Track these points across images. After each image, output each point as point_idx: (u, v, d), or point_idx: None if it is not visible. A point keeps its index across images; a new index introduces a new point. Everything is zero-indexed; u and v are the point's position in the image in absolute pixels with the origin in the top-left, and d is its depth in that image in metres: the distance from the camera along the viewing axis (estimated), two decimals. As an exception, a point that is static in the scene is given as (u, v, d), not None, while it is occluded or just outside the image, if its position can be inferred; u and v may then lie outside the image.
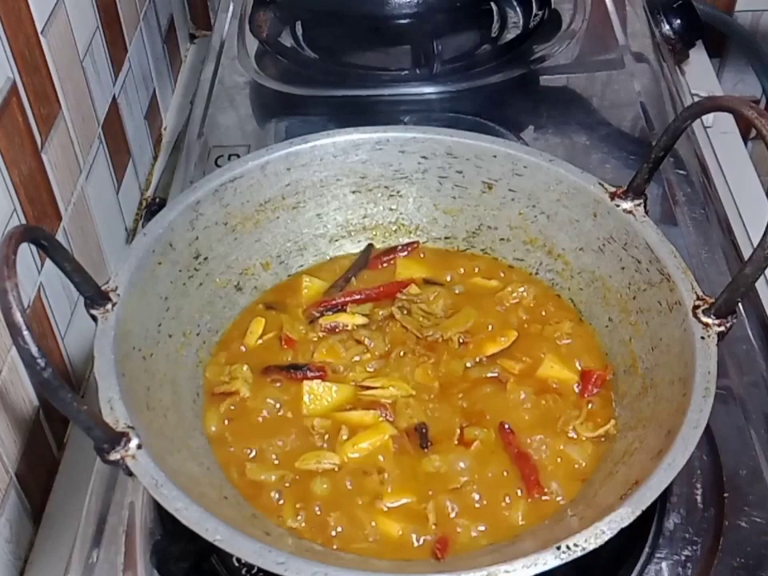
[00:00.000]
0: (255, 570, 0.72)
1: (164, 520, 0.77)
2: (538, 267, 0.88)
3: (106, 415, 0.63)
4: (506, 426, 0.76)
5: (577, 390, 0.79)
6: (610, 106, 1.19)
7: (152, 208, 1.21)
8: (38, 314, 0.93)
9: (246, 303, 0.87)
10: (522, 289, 0.86)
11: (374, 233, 0.92)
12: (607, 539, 0.58)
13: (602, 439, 0.75)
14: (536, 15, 1.26)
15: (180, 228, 0.80)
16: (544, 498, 0.71)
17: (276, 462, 0.74)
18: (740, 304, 0.71)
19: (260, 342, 0.83)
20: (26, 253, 0.90)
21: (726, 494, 0.77)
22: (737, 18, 1.64)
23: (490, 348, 0.82)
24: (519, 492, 0.72)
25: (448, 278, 0.89)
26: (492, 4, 1.29)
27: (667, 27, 1.31)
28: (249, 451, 0.75)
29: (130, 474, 0.61)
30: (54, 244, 0.64)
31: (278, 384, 0.79)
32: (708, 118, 1.27)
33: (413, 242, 0.92)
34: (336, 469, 0.73)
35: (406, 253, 0.92)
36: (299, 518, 0.70)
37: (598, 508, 0.63)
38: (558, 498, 0.71)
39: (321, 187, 0.89)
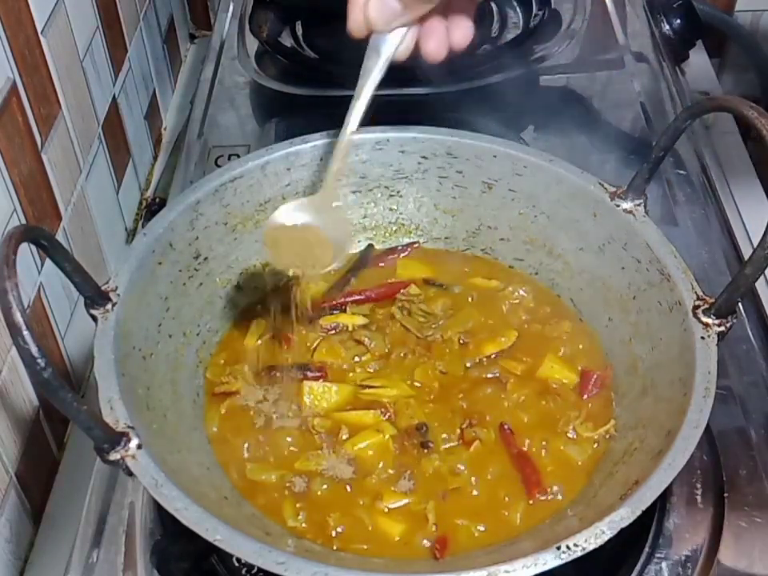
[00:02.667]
0: (255, 570, 0.72)
1: (164, 520, 0.77)
2: (538, 267, 0.88)
3: (105, 415, 0.63)
4: (506, 427, 0.76)
5: (577, 391, 0.79)
6: (610, 106, 1.19)
7: (152, 208, 1.21)
8: (37, 314, 0.93)
9: (246, 303, 0.87)
10: (522, 289, 0.86)
11: (374, 233, 0.92)
12: (607, 539, 0.58)
13: (603, 439, 0.75)
14: (536, 15, 1.26)
15: (180, 228, 0.80)
16: (544, 498, 0.71)
17: (276, 462, 0.74)
18: (740, 304, 0.71)
19: (260, 342, 0.83)
20: (26, 253, 0.90)
21: (726, 494, 0.77)
22: (737, 17, 1.64)
23: (490, 348, 0.82)
24: (519, 492, 0.72)
25: (448, 278, 0.89)
26: (492, 4, 1.29)
27: (667, 27, 1.31)
28: (249, 451, 0.75)
29: (130, 473, 0.61)
30: (54, 244, 0.64)
31: (278, 384, 0.79)
32: (708, 118, 1.27)
33: (413, 242, 0.92)
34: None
35: (406, 253, 0.92)
36: (299, 517, 0.70)
37: (598, 508, 0.63)
38: (558, 498, 0.71)
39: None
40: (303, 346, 0.83)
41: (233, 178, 0.84)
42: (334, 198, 0.74)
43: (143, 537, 0.77)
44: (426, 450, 0.74)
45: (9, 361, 0.86)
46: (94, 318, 0.70)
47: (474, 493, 0.72)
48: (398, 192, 0.90)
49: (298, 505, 0.71)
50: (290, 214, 0.72)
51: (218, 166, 1.01)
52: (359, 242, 0.92)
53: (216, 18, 1.37)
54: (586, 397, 0.78)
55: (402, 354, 0.81)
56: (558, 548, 0.58)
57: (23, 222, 0.90)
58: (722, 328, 0.69)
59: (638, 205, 0.79)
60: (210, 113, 1.18)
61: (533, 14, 1.27)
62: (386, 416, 0.77)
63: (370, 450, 0.74)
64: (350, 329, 0.83)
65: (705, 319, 0.70)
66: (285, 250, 0.72)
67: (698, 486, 0.78)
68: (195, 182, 0.84)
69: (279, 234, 0.72)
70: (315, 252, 0.72)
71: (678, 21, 1.31)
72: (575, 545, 0.58)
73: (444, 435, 0.75)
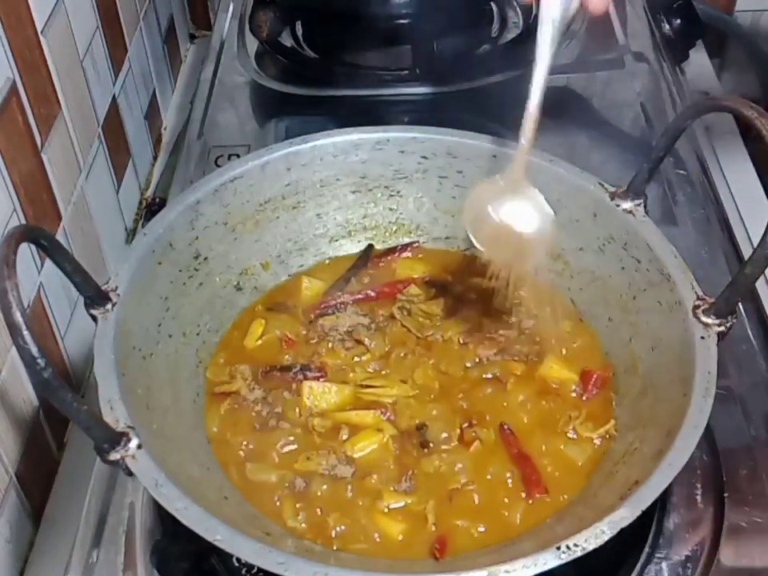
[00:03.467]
0: (255, 569, 0.72)
1: (164, 520, 0.77)
2: (537, 267, 0.88)
3: (105, 415, 0.63)
4: (506, 427, 0.76)
5: (577, 391, 0.79)
6: (610, 106, 1.19)
7: (152, 208, 1.21)
8: (37, 314, 0.93)
9: (246, 303, 0.87)
10: (521, 289, 0.86)
11: (374, 233, 0.92)
12: (607, 539, 0.59)
13: (603, 439, 0.75)
14: (536, 15, 1.25)
15: (180, 228, 0.80)
16: (544, 498, 0.71)
17: (276, 462, 0.74)
18: (740, 304, 0.71)
19: (260, 342, 0.83)
20: (26, 253, 0.90)
21: (725, 494, 0.77)
22: (737, 17, 1.64)
23: (490, 348, 0.82)
24: (519, 492, 0.72)
25: (448, 278, 0.89)
26: (492, 4, 1.29)
27: (667, 27, 1.30)
28: (249, 451, 0.75)
29: (130, 473, 0.61)
30: (54, 244, 0.64)
31: (278, 384, 0.79)
32: (708, 118, 1.27)
33: (413, 242, 0.92)
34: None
35: (406, 253, 0.92)
36: (299, 518, 0.70)
37: (598, 508, 0.63)
38: (558, 498, 0.71)
39: (321, 187, 0.89)
40: (303, 345, 0.83)
41: (233, 177, 0.84)
42: (524, 184, 0.74)
43: (143, 537, 0.77)
44: (425, 450, 0.74)
45: (9, 361, 0.86)
46: (94, 318, 0.70)
47: (474, 493, 0.72)
48: (398, 192, 0.90)
49: (297, 505, 0.71)
50: (493, 205, 0.74)
51: (218, 166, 1.01)
52: (359, 241, 0.92)
53: (216, 18, 1.37)
54: (585, 397, 0.78)
55: (402, 354, 0.81)
56: (558, 548, 0.58)
57: (23, 222, 0.90)
58: (722, 328, 0.69)
59: (638, 205, 0.79)
60: (210, 113, 1.18)
61: (533, 15, 1.26)
62: (386, 416, 0.77)
63: (370, 449, 0.74)
64: (350, 329, 0.83)
65: (705, 319, 0.70)
66: (493, 242, 0.75)
67: (698, 485, 0.78)
68: (195, 181, 0.84)
69: (490, 229, 0.74)
70: (520, 249, 0.75)
71: (678, 21, 1.31)
72: (575, 545, 0.58)
73: (444, 435, 0.75)
